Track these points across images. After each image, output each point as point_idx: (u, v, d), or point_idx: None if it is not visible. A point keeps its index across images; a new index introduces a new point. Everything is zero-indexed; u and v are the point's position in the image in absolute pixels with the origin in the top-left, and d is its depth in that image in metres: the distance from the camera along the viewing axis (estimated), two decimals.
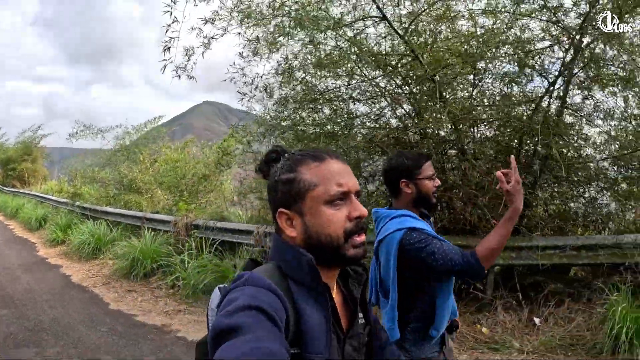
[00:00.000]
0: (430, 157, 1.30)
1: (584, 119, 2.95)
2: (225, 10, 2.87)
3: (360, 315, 0.72)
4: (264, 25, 2.90)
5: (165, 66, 2.91)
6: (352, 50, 2.90)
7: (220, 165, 3.58)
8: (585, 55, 2.65)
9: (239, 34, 2.99)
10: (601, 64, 2.70)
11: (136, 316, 3.14)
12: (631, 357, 2.10)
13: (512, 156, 1.10)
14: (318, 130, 3.12)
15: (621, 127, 2.95)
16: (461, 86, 3.15)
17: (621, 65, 2.69)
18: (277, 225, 0.68)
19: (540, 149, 2.65)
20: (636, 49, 2.60)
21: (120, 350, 2.57)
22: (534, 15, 2.72)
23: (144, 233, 4.37)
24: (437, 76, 2.69)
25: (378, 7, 2.79)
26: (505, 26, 2.80)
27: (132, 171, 6.19)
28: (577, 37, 2.58)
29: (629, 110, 2.89)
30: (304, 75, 3.17)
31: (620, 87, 2.77)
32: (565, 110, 2.89)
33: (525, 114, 2.89)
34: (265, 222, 3.71)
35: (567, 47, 2.66)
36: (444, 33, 3.05)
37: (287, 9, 2.82)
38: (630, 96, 2.85)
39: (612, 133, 2.91)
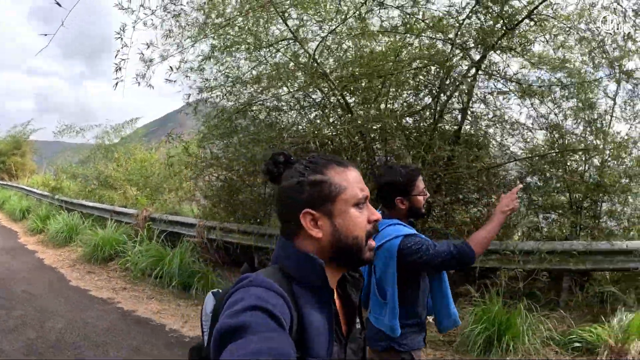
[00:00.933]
0: (420, 172, 1.42)
1: (489, 128, 3.41)
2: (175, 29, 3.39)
3: (357, 320, 0.75)
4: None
5: (117, 84, 3.55)
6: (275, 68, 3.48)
7: (169, 166, 4.30)
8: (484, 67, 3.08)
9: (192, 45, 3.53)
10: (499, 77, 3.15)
11: (90, 291, 3.91)
12: (487, 356, 2.49)
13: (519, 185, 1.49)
14: (255, 137, 3.70)
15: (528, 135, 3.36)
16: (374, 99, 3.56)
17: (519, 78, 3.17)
18: (288, 229, 0.69)
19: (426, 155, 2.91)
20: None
21: (69, 313, 3.33)
22: (426, 34, 3.10)
23: (108, 224, 5.14)
24: (345, 91, 3.24)
25: (290, 30, 3.26)
26: (401, 45, 3.16)
27: (107, 168, 6.96)
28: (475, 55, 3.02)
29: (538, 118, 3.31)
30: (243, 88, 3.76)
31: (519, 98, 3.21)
32: (466, 120, 3.28)
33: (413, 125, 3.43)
34: (211, 218, 4.40)
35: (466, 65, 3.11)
36: (350, 51, 3.45)
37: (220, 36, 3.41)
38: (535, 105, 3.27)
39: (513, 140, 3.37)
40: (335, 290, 0.72)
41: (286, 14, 3.21)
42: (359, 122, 3.07)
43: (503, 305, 2.60)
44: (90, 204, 6.29)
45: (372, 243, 0.70)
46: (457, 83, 3.09)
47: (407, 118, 3.50)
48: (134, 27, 3.10)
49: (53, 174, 9.34)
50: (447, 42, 3.05)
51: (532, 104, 3.34)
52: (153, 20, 3.09)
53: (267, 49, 3.48)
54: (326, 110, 3.55)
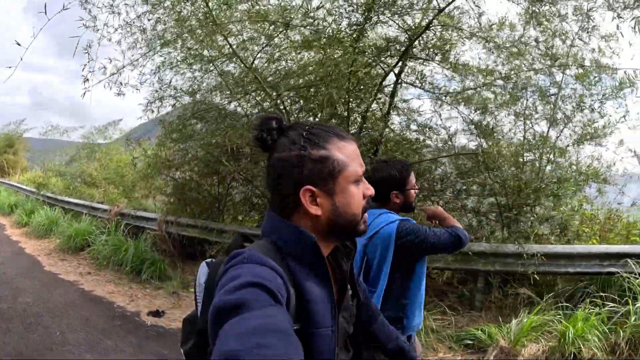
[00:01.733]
0: (412, 167, 1.47)
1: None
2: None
3: (349, 288, 0.78)
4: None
5: (84, 93, 4.14)
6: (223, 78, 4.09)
7: (134, 166, 4.96)
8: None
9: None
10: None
11: (59, 275, 4.58)
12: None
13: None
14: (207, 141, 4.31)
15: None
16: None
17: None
18: (282, 205, 0.69)
19: None
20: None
21: (38, 291, 4.00)
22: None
23: (83, 218, 5.83)
24: (280, 99, 3.84)
25: (230, 45, 3.66)
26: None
27: (89, 168, 7.66)
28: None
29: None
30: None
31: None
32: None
33: None
34: (170, 214, 5.06)
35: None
36: (285, 63, 3.90)
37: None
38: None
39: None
40: (327, 258, 0.73)
41: (227, 32, 3.78)
42: None
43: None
44: (71, 200, 6.99)
45: (365, 216, 0.72)
46: (375, 91, 3.56)
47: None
48: (99, 43, 3.78)
49: (42, 172, 10.07)
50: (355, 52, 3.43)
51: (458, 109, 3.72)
52: (116, 37, 3.74)
53: (210, 64, 4.09)
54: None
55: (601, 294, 2.74)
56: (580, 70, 3.44)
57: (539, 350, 2.52)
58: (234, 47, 3.59)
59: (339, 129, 0.71)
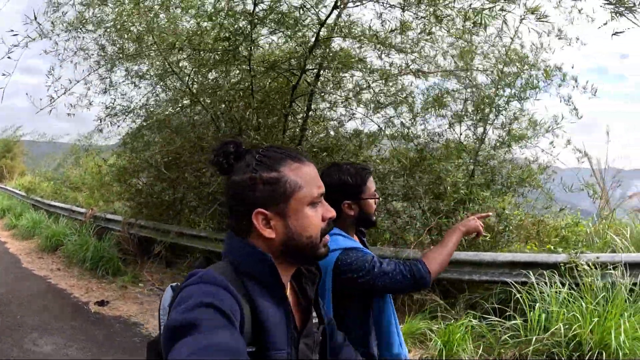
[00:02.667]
0: (371, 172, 1.28)
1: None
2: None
3: (314, 314, 0.78)
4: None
5: (50, 110, 4.78)
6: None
7: (98, 173, 5.70)
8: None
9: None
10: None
11: (33, 270, 5.35)
12: None
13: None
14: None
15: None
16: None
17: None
18: (238, 227, 0.71)
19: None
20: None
21: (12, 284, 4.76)
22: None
23: (61, 220, 6.62)
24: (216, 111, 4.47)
25: (169, 64, 4.18)
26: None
27: (73, 173, 8.48)
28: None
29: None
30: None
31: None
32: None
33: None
34: (131, 216, 5.76)
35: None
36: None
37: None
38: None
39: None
40: (291, 283, 0.75)
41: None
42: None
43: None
44: (54, 203, 7.82)
45: (327, 239, 0.73)
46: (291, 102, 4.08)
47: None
48: (60, 65, 4.48)
49: (34, 177, 10.99)
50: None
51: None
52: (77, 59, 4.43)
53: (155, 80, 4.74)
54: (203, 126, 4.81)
55: (494, 304, 2.80)
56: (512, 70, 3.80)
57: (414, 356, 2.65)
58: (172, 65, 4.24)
59: (295, 151, 0.73)
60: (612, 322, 2.30)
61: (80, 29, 4.06)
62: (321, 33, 3.39)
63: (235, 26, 3.20)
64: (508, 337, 2.49)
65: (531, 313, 2.50)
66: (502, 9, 2.62)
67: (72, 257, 5.52)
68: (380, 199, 1.44)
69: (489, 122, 4.00)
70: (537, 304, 2.51)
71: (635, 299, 2.59)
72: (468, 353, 2.47)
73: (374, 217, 1.28)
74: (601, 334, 2.29)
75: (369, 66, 3.85)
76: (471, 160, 3.86)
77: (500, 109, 3.86)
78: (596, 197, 4.05)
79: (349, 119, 4.30)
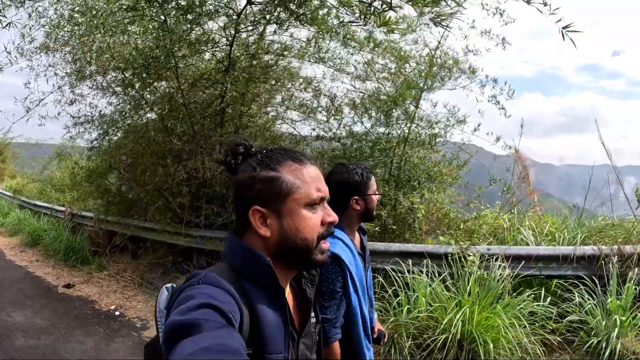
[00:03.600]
0: (372, 171, 1.49)
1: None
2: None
3: (312, 314, 0.83)
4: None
5: (28, 119, 5.73)
6: None
7: (71, 174, 6.54)
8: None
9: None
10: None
11: (15, 262, 6.23)
12: None
13: None
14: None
15: None
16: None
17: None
18: (240, 225, 0.76)
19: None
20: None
21: None
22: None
23: (41, 218, 7.49)
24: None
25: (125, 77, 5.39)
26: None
27: (56, 175, 9.34)
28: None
29: None
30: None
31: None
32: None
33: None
34: (101, 213, 6.59)
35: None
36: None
37: None
38: None
39: None
40: (291, 284, 0.80)
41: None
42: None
43: None
44: (38, 203, 8.70)
45: (325, 245, 0.76)
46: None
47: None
48: (35, 79, 5.32)
49: (21, 178, 11.87)
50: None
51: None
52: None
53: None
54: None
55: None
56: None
57: None
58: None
59: (298, 153, 0.77)
60: (472, 309, 2.72)
61: (47, 52, 4.90)
62: (236, 52, 4.18)
63: (161, 45, 3.96)
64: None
65: (397, 298, 3.00)
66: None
67: (49, 249, 6.38)
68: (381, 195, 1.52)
69: (405, 123, 4.75)
70: (405, 291, 3.02)
71: (514, 288, 2.99)
72: None
73: (374, 212, 1.48)
74: (462, 322, 2.68)
75: (295, 76, 4.68)
76: (388, 158, 4.60)
77: (409, 113, 4.62)
78: (506, 192, 4.78)
79: (281, 123, 5.14)
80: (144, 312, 4.00)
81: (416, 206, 3.99)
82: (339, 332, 1.31)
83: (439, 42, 4.53)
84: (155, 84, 4.60)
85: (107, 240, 6.33)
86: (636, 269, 2.90)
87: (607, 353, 2.55)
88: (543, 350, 2.80)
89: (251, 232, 0.74)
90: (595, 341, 2.65)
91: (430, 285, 2.98)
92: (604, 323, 2.70)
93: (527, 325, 2.79)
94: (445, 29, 2.71)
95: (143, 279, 4.92)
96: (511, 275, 3.01)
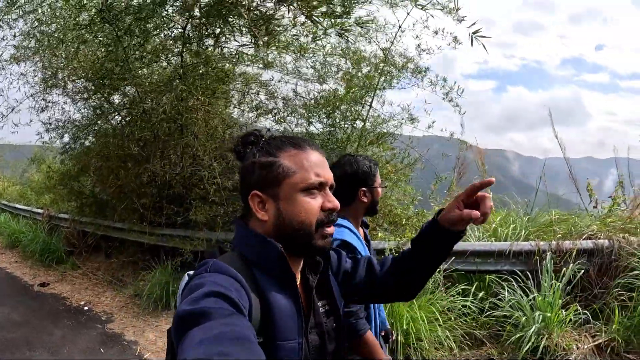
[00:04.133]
0: (377, 163, 1.52)
1: None
2: None
3: (323, 303, 0.84)
4: None
5: (2, 126, 6.09)
6: None
7: (47, 178, 6.88)
8: None
9: None
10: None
11: None
12: None
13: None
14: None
15: None
16: None
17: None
18: (245, 211, 0.80)
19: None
20: None
21: None
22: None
23: (19, 220, 7.85)
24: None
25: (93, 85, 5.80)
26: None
27: (35, 178, 9.66)
28: None
29: None
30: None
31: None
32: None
33: None
34: (75, 214, 6.96)
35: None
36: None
37: None
38: None
39: None
40: (301, 273, 0.82)
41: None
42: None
43: None
44: (17, 206, 9.04)
45: (328, 230, 0.77)
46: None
47: None
48: (9, 88, 5.64)
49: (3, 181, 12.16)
50: None
51: None
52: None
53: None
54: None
55: None
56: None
57: None
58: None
59: (299, 139, 0.80)
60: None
61: (17, 62, 5.23)
62: (189, 60, 4.54)
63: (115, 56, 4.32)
64: None
65: None
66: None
67: (27, 251, 6.76)
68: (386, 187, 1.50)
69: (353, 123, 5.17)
70: None
71: (453, 283, 3.18)
72: None
73: (377, 206, 1.50)
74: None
75: (250, 80, 5.09)
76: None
77: (360, 113, 5.02)
78: (452, 189, 5.21)
79: (239, 125, 5.52)
80: (110, 307, 4.42)
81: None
82: (367, 323, 1.32)
83: (392, 43, 4.96)
84: (114, 94, 4.94)
85: (81, 241, 6.72)
86: (571, 265, 2.97)
87: (527, 348, 2.61)
88: (469, 343, 2.95)
89: (253, 217, 0.77)
90: (519, 336, 2.72)
91: None
92: (524, 318, 2.79)
93: (453, 318, 2.94)
94: (348, 41, 3.13)
95: (113, 277, 5.33)
96: (442, 270, 3.15)
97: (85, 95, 5.41)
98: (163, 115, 5.02)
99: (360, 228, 1.53)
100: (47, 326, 4.04)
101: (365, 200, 1.44)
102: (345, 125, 5.05)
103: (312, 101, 4.99)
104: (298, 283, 0.78)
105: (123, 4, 3.53)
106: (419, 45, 4.96)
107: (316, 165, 0.76)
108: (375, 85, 4.90)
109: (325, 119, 5.08)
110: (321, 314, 0.82)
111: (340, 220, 1.37)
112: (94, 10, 3.83)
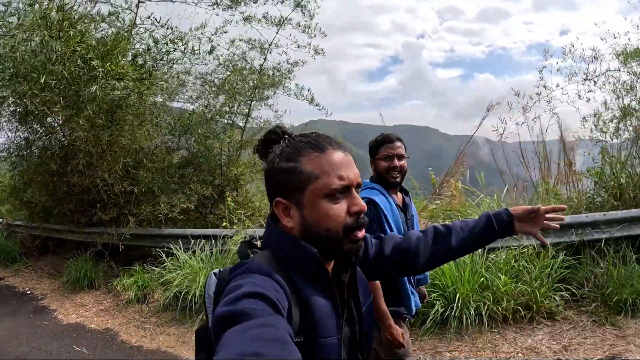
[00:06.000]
0: (391, 140, 1.81)
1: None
2: None
3: (348, 299, 0.87)
4: None
5: None
6: None
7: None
8: None
9: None
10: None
11: None
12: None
13: None
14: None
15: None
16: None
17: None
18: (273, 213, 0.82)
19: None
20: None
21: None
22: None
23: None
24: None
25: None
26: None
27: None
28: None
29: None
30: None
31: None
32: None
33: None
34: (28, 221, 8.53)
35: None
36: None
37: None
38: None
39: None
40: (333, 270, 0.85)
41: None
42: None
43: None
44: None
45: (359, 234, 0.80)
46: None
47: None
48: None
49: None
50: None
51: None
52: None
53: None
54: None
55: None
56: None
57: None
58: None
59: (320, 139, 0.80)
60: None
61: None
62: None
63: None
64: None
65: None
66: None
67: None
68: (395, 163, 1.79)
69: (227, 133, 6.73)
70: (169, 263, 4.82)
71: None
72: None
73: (390, 179, 1.78)
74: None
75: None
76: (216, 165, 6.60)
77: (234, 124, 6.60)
78: None
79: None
80: (46, 290, 6.06)
81: (229, 199, 6.00)
82: None
83: (265, 59, 6.54)
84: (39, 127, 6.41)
85: (32, 243, 8.34)
86: None
87: None
88: None
89: (280, 221, 0.82)
90: None
91: (190, 260, 4.75)
92: None
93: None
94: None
95: (54, 269, 6.96)
96: None
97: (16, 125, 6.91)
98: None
99: (399, 193, 1.89)
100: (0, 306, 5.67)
101: (372, 168, 1.85)
102: (226, 136, 6.63)
103: (194, 114, 6.53)
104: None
105: None
106: (287, 60, 6.56)
107: (339, 167, 0.78)
108: (257, 96, 6.50)
109: (204, 131, 6.63)
110: (352, 309, 0.88)
111: (372, 184, 1.77)
112: None
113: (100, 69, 4.45)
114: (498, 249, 3.81)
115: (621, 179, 4.38)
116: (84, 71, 4.59)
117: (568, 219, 3.86)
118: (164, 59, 5.84)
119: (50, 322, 4.76)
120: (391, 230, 1.66)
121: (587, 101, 5.64)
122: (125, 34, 5.67)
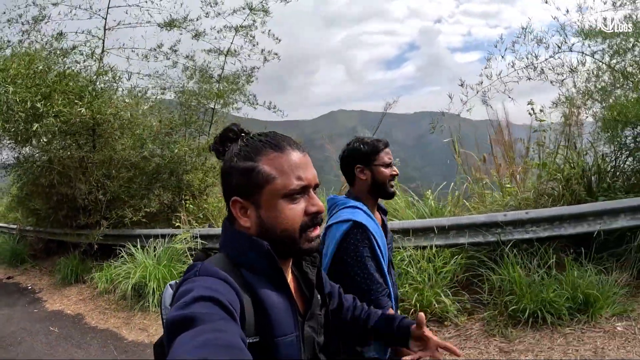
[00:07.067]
0: (387, 144, 1.58)
1: None
2: None
3: (318, 297, 0.90)
4: None
5: None
6: None
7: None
8: None
9: None
10: None
11: None
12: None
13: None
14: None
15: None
16: None
17: None
18: (230, 213, 0.83)
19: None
20: None
21: None
22: None
23: (3, 236, 10.98)
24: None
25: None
26: None
27: (3, 202, 12.78)
28: None
29: None
30: None
31: None
32: None
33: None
34: (36, 226, 9.96)
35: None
36: None
37: None
38: None
39: None
40: (291, 269, 0.87)
41: None
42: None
43: None
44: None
45: (314, 233, 0.82)
46: None
47: None
48: None
49: None
50: None
51: None
52: None
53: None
54: None
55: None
56: None
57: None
58: None
59: (278, 138, 0.82)
60: (153, 269, 5.68)
61: None
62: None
63: None
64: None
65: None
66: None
67: (1, 257, 9.82)
68: (396, 171, 1.61)
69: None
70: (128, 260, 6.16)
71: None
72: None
73: (390, 189, 1.58)
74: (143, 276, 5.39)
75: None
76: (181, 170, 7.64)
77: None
78: None
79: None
80: (43, 285, 7.35)
81: (189, 202, 7.02)
82: (389, 300, 1.41)
83: (222, 69, 7.56)
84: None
85: (38, 245, 9.73)
86: None
87: None
88: None
89: (236, 221, 0.83)
90: None
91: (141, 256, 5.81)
92: None
93: None
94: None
95: (53, 268, 8.24)
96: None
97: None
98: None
99: (377, 213, 1.65)
100: (4, 298, 6.96)
101: (363, 177, 1.56)
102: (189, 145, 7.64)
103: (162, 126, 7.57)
104: (289, 279, 0.86)
105: None
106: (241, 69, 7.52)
107: (297, 167, 0.80)
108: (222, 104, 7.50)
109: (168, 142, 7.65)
110: (317, 307, 0.90)
111: (355, 202, 1.53)
112: None
113: (42, 109, 5.53)
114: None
115: (565, 170, 4.16)
116: (31, 111, 5.65)
117: (483, 217, 3.81)
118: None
119: (39, 310, 5.96)
120: (383, 257, 1.50)
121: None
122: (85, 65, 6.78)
